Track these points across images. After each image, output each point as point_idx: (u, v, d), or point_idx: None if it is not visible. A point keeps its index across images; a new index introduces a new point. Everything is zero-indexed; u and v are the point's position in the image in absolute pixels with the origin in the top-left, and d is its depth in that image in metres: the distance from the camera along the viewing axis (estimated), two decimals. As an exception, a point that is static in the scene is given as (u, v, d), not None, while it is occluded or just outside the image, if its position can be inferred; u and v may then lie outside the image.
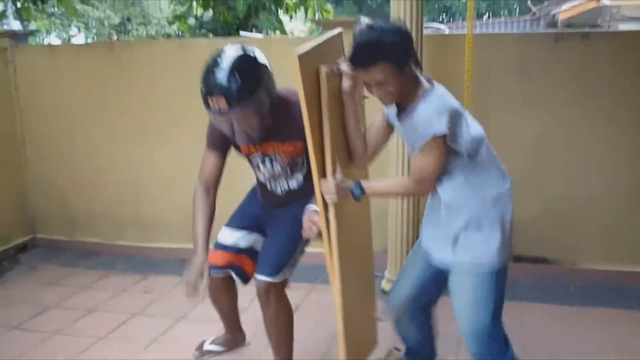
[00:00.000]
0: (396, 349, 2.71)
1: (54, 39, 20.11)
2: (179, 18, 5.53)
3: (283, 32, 5.31)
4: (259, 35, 5.02)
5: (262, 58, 2.28)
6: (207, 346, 3.13)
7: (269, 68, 2.29)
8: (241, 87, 2.14)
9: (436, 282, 2.19)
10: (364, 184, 2.04)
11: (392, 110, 2.04)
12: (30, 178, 4.96)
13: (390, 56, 1.82)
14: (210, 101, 2.18)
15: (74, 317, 3.68)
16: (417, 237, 3.66)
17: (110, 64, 4.55)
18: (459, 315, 2.06)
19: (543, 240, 3.99)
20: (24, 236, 4.98)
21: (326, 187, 2.01)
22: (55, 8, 16.64)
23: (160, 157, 4.61)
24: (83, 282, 4.27)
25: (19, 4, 7.76)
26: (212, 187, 2.60)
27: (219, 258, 2.69)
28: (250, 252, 2.70)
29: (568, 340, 3.20)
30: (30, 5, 7.63)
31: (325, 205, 2.06)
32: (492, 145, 2.10)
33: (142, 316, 3.69)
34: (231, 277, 2.73)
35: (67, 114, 4.75)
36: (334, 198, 2.00)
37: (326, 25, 4.12)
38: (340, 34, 2.42)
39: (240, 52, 2.23)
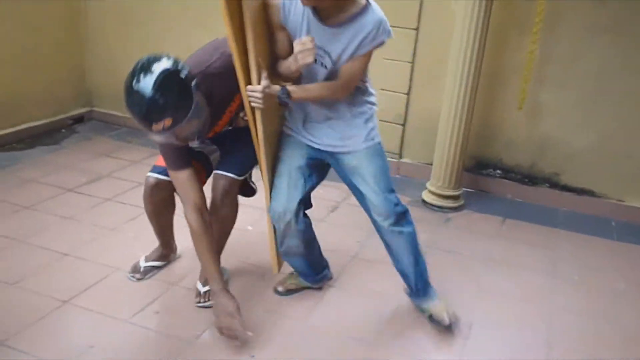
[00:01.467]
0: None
1: None
2: None
3: None
4: None
5: (173, 63, 2.02)
6: (144, 264, 2.85)
7: (187, 71, 2.04)
8: (177, 101, 1.97)
9: (311, 179, 2.40)
10: (290, 88, 2.13)
11: (298, 17, 2.08)
12: (90, 53, 5.04)
13: None
14: (154, 127, 1.99)
15: (124, 188, 3.86)
16: (462, 153, 3.69)
17: None
18: (374, 185, 2.30)
19: (592, 172, 3.90)
20: (82, 108, 5.15)
21: (252, 93, 2.07)
22: None
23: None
24: (134, 156, 4.44)
25: None
26: (204, 208, 2.34)
27: None
28: (203, 159, 2.56)
29: (599, 269, 3.22)
30: None
31: (253, 110, 2.15)
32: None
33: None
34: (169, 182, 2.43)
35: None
36: (260, 103, 2.08)
37: None
38: None
39: (156, 72, 1.96)
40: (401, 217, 2.37)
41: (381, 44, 2.07)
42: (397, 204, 2.35)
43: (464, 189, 4.00)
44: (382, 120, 4.16)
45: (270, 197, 2.39)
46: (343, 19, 2.04)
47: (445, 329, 2.48)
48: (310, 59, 2.03)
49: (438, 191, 3.84)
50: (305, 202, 2.45)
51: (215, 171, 2.50)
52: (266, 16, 2.14)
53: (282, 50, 2.19)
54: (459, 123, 3.64)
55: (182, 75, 2.01)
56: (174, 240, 2.94)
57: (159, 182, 2.53)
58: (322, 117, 2.30)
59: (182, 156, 2.27)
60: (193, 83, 2.02)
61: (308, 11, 2.07)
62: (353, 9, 2.03)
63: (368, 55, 2.11)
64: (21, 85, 4.51)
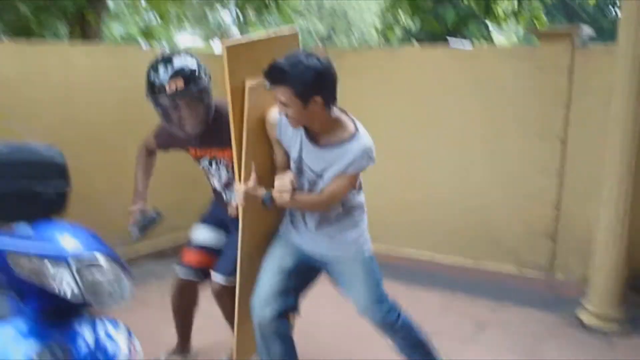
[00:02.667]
0: None
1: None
2: (388, 27, 5.71)
3: (491, 41, 5.19)
4: (467, 43, 4.95)
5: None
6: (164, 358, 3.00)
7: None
8: (194, 70, 2.41)
9: (296, 285, 2.41)
10: (274, 194, 2.23)
11: (292, 135, 2.26)
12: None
13: (293, 84, 2.03)
14: (168, 86, 2.36)
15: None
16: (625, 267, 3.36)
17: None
18: (360, 294, 2.36)
19: None
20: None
21: (238, 191, 2.26)
22: (272, 19, 18.23)
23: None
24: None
25: (242, 16, 8.65)
26: (155, 153, 2.87)
27: (194, 258, 2.74)
28: (219, 253, 2.74)
29: None
30: (252, 15, 8.50)
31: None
32: None
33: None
34: (197, 282, 2.77)
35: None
36: (242, 202, 2.27)
37: (541, 35, 3.93)
38: (295, 35, 2.52)
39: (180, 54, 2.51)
40: (391, 326, 2.41)
41: (363, 168, 2.22)
42: (388, 311, 2.40)
43: (631, 308, 3.60)
44: (529, 234, 4.07)
45: (254, 292, 2.41)
46: (332, 142, 2.21)
47: None
48: (285, 199, 2.18)
49: (597, 310, 3.49)
50: (291, 306, 2.46)
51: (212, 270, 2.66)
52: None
53: (280, 163, 2.37)
54: (621, 231, 3.36)
55: (202, 68, 2.46)
56: (190, 335, 3.02)
57: (187, 284, 2.75)
58: (315, 223, 2.36)
59: (165, 143, 2.77)
60: (208, 79, 2.45)
61: (302, 130, 2.24)
62: (343, 134, 2.21)
63: (352, 177, 2.24)
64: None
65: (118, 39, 12.47)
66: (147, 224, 2.43)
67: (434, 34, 5.44)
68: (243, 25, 9.12)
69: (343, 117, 2.26)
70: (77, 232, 1.45)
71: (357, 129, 2.23)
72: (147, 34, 8.05)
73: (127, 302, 1.46)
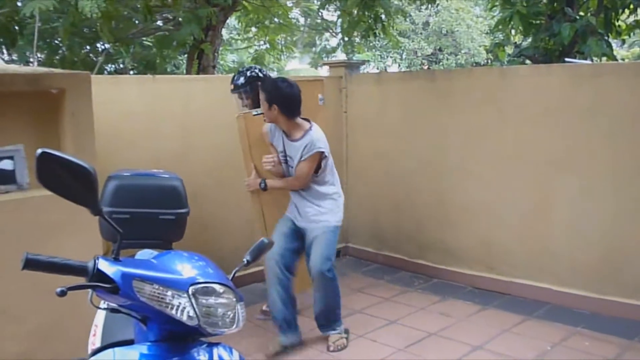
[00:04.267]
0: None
1: (371, 70, 22.09)
2: (498, 46, 5.53)
3: (612, 58, 4.85)
4: (586, 62, 4.67)
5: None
6: None
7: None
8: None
9: (294, 249, 3.60)
10: (267, 181, 3.61)
11: (277, 134, 3.57)
12: (349, 193, 5.50)
13: (264, 92, 3.40)
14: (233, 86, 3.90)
15: (376, 325, 3.93)
16: None
17: (431, 91, 4.79)
18: (316, 252, 3.47)
19: None
20: (339, 244, 5.54)
21: (246, 182, 3.70)
22: (377, 42, 18.33)
23: (467, 185, 4.64)
24: (386, 294, 4.55)
25: (347, 39, 8.77)
26: None
27: None
28: None
29: None
30: (358, 39, 8.57)
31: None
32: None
33: (439, 337, 3.74)
34: None
35: (387, 137, 5.14)
36: (249, 188, 3.72)
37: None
38: (318, 80, 4.33)
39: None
40: (324, 279, 3.47)
41: (314, 154, 3.38)
42: (328, 270, 3.46)
43: None
44: None
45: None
46: (297, 136, 3.46)
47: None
48: (268, 167, 3.58)
49: None
50: (289, 266, 3.57)
51: None
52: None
53: (277, 160, 3.59)
54: None
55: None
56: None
57: None
58: (302, 209, 3.56)
59: None
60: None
61: (282, 131, 3.51)
62: (301, 131, 3.46)
63: (310, 160, 3.40)
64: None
65: (231, 67, 13.12)
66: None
67: (548, 52, 5.19)
68: (349, 49, 9.21)
69: (302, 121, 3.49)
70: (195, 260, 1.51)
71: (310, 129, 3.44)
72: (258, 61, 8.38)
73: (240, 328, 1.49)
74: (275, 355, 3.52)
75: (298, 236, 3.60)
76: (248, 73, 3.88)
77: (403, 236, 5.17)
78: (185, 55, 7.97)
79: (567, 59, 4.62)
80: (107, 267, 1.38)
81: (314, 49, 21.20)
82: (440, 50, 21.86)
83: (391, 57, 22.30)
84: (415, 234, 5.07)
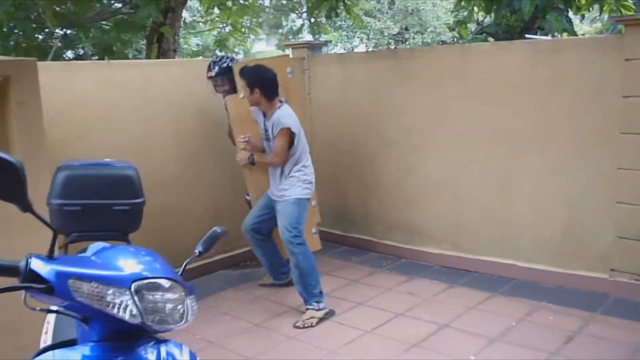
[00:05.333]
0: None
1: (338, 50, 21.95)
2: (460, 23, 5.51)
3: (572, 33, 4.87)
4: (546, 38, 4.68)
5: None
6: None
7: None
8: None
9: (268, 218, 4.04)
10: (255, 156, 3.96)
11: (259, 116, 3.94)
12: (315, 176, 5.45)
13: (245, 79, 3.78)
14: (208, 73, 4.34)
15: (344, 307, 3.92)
16: None
17: (394, 70, 4.75)
18: (281, 220, 3.84)
19: None
20: (306, 227, 5.51)
21: (238, 158, 4.08)
22: (343, 22, 18.21)
23: (431, 164, 4.64)
24: (353, 275, 4.54)
25: (312, 20, 8.66)
26: None
27: None
28: None
29: None
30: (323, 20, 8.46)
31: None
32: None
33: (406, 317, 3.76)
34: None
35: (351, 119, 5.10)
36: (240, 162, 4.07)
37: (629, 23, 3.63)
38: (285, 57, 4.95)
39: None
40: (291, 247, 3.77)
41: (281, 130, 3.71)
42: (294, 237, 3.78)
43: None
44: (622, 238, 3.77)
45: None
46: (270, 115, 3.81)
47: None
48: (242, 147, 3.99)
49: None
50: (261, 230, 4.13)
51: None
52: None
53: (259, 136, 4.00)
54: None
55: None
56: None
57: None
58: (273, 183, 3.94)
59: None
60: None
61: (261, 112, 3.88)
62: (272, 110, 3.80)
63: (279, 136, 3.74)
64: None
65: (195, 50, 12.87)
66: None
67: (510, 28, 5.19)
68: (315, 30, 9.09)
69: (277, 102, 3.81)
70: (141, 255, 1.45)
71: (278, 108, 3.79)
72: (221, 44, 8.21)
73: (190, 324, 1.44)
74: (264, 285, 4.43)
75: (271, 207, 3.99)
76: (221, 63, 4.31)
77: (370, 217, 5.16)
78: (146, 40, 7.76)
79: (527, 35, 4.62)
80: (41, 267, 1.30)
81: (280, 30, 20.94)
82: (406, 29, 21.81)
83: (358, 37, 22.19)
84: (382, 214, 5.06)
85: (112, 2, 7.37)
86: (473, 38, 5.51)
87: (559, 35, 4.98)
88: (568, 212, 4.01)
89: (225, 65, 4.29)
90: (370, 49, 21.82)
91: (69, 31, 7.71)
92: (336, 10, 8.60)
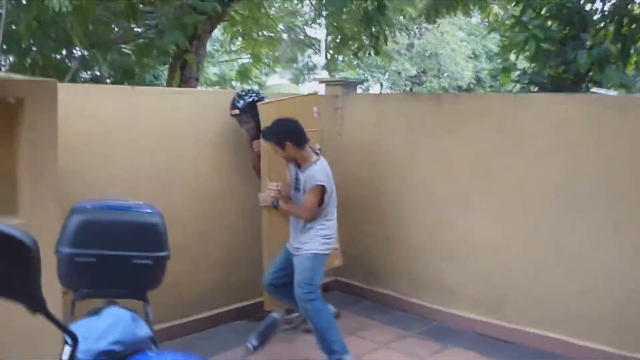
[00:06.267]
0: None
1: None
2: (504, 71, 5.20)
3: (630, 89, 4.55)
4: (613, 93, 4.34)
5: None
6: None
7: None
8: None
9: (289, 266, 3.70)
10: (280, 202, 3.73)
11: (292, 167, 3.72)
12: (339, 222, 5.05)
13: (271, 139, 3.60)
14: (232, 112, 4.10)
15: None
16: None
17: (435, 116, 4.41)
18: (296, 276, 3.57)
19: None
20: (329, 277, 5.08)
21: (260, 197, 3.89)
22: (365, 60, 18.07)
23: (472, 219, 4.26)
24: (381, 338, 4.11)
25: (328, 56, 8.43)
26: None
27: None
28: None
29: None
30: (340, 57, 8.25)
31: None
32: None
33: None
34: None
35: (384, 163, 4.74)
36: (261, 203, 3.86)
37: None
38: (314, 95, 4.51)
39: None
40: (303, 304, 3.51)
41: (315, 187, 3.52)
42: (307, 293, 3.50)
43: None
44: None
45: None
46: (304, 168, 3.62)
47: None
48: (272, 195, 3.76)
49: None
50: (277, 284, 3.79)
51: None
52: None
53: (288, 180, 3.81)
54: None
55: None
56: None
57: None
58: (290, 229, 3.75)
59: None
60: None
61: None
62: (307, 163, 3.61)
63: (312, 193, 3.53)
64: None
65: (213, 80, 12.68)
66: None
67: (558, 80, 4.85)
68: (332, 67, 8.88)
69: (312, 153, 3.65)
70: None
71: (315, 162, 3.61)
72: (243, 74, 7.96)
73: None
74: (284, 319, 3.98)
75: (291, 263, 3.71)
76: (247, 98, 4.04)
77: (397, 272, 4.75)
78: (166, 65, 7.49)
79: (594, 89, 4.28)
80: None
81: (295, 65, 20.87)
82: (423, 72, 21.72)
83: (374, 77, 22.09)
84: (411, 269, 4.65)
85: (134, 26, 7.12)
86: (522, 88, 5.16)
87: (617, 91, 4.65)
88: (631, 284, 3.58)
89: (250, 100, 4.04)
90: (386, 90, 21.69)
91: (85, 51, 7.44)
92: (365, 48, 8.38)
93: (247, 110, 4.00)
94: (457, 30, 21.31)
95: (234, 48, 8.35)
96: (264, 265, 4.03)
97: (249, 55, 8.13)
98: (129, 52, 7.22)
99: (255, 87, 4.22)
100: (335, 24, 7.87)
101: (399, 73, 21.27)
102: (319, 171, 3.55)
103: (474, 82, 21.62)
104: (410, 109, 4.60)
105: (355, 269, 4.96)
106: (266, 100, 4.07)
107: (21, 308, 0.98)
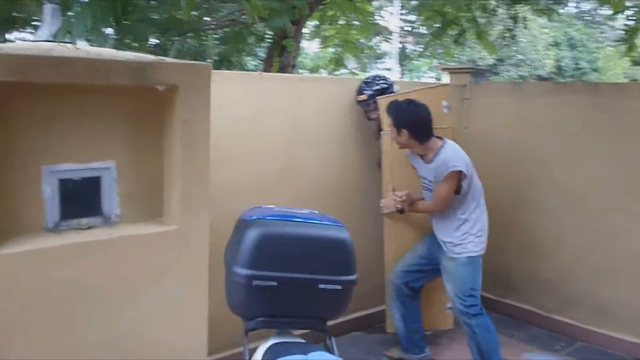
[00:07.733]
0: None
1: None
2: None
3: None
4: None
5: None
6: None
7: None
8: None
9: (425, 270, 3.42)
10: (405, 207, 3.42)
11: (417, 161, 3.31)
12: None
13: (391, 118, 3.22)
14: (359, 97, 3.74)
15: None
16: None
17: (592, 110, 3.83)
18: (448, 286, 3.25)
19: None
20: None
21: (382, 204, 3.55)
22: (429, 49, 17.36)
23: (637, 231, 3.67)
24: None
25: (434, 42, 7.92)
26: None
27: None
28: None
29: None
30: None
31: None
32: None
33: None
34: None
35: (522, 164, 4.20)
36: (384, 210, 3.52)
37: None
38: (444, 86, 4.12)
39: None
40: (466, 318, 3.15)
41: (449, 173, 3.04)
42: (469, 306, 3.13)
43: None
44: None
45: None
46: (430, 157, 3.17)
47: None
48: (398, 206, 3.40)
49: None
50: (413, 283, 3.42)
51: None
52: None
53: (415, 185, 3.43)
54: None
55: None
56: None
57: None
58: (435, 228, 3.29)
59: None
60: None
61: (418, 155, 3.24)
62: (432, 153, 3.15)
63: (445, 181, 3.06)
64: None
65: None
66: None
67: None
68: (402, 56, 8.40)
69: (436, 141, 3.16)
70: None
71: (441, 147, 3.12)
72: (338, 62, 7.56)
73: None
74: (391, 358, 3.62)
75: (433, 257, 3.36)
76: (374, 84, 3.71)
77: (536, 284, 4.21)
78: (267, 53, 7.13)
79: None
80: None
81: (363, 53, 20.34)
82: (501, 60, 20.74)
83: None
84: (554, 283, 4.10)
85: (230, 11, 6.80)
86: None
87: None
88: None
89: (378, 87, 3.71)
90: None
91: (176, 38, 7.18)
92: (465, 34, 7.82)
93: (373, 97, 3.67)
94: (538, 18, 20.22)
95: (325, 35, 7.91)
96: (385, 274, 3.63)
97: (343, 43, 7.69)
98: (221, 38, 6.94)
99: (385, 76, 3.75)
100: (435, 8, 7.33)
101: (475, 62, 20.37)
102: (450, 155, 3.08)
103: (555, 70, 20.50)
104: (561, 101, 4.02)
105: (485, 278, 4.44)
106: (395, 88, 3.70)
107: None
